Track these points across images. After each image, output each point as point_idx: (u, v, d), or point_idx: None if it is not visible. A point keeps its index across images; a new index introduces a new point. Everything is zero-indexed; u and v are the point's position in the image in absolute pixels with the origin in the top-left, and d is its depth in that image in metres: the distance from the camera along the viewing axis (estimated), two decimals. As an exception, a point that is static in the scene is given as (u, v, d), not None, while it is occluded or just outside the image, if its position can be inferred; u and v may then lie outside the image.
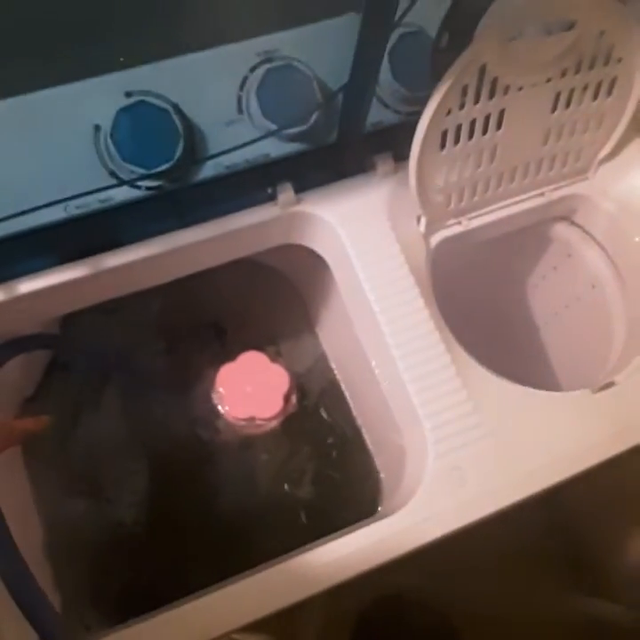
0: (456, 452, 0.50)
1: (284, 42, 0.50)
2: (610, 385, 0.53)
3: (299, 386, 0.74)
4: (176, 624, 0.45)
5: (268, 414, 0.66)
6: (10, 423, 0.47)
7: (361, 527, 0.49)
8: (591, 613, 0.88)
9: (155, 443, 0.73)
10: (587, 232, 0.64)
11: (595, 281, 0.65)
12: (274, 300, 0.78)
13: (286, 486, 0.72)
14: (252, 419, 0.66)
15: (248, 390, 0.67)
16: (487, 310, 0.71)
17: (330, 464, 0.73)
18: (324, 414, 0.74)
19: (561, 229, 0.66)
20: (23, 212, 0.45)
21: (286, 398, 0.66)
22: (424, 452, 0.50)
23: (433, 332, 0.52)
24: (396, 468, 0.59)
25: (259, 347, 0.72)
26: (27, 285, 0.50)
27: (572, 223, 0.64)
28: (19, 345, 0.57)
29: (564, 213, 0.63)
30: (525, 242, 0.67)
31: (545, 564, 0.90)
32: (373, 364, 0.56)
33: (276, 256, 0.63)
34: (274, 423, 0.68)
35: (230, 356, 0.70)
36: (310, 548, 0.48)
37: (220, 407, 0.69)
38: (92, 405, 0.74)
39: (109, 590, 0.67)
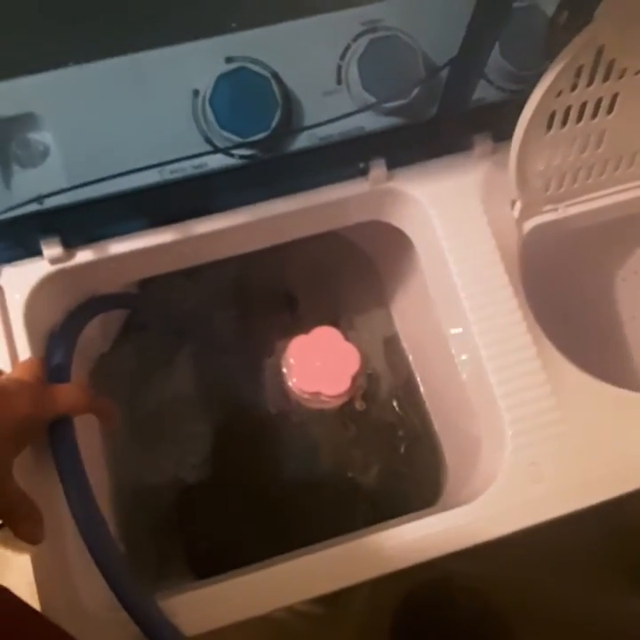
0: (535, 446, 0.49)
1: (390, 12, 0.49)
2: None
3: (368, 365, 0.74)
4: (232, 594, 0.46)
5: (333, 392, 0.65)
6: (91, 393, 0.48)
7: (430, 514, 0.49)
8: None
9: (221, 407, 0.74)
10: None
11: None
12: (349, 275, 0.77)
13: (346, 467, 0.72)
14: (317, 394, 0.66)
15: (317, 365, 0.67)
16: (572, 301, 0.68)
17: (394, 448, 0.72)
18: (393, 398, 0.73)
19: (661, 224, 0.62)
20: (120, 174, 0.46)
21: (354, 379, 0.65)
22: (502, 445, 0.49)
23: (520, 323, 0.51)
24: (466, 458, 0.58)
25: (330, 320, 0.72)
26: (117, 246, 0.51)
27: (674, 218, 0.61)
28: (103, 303, 0.58)
29: (667, 207, 0.60)
30: (620, 234, 0.64)
31: (602, 567, 0.88)
32: (453, 350, 0.55)
33: (356, 230, 0.62)
34: (339, 401, 0.68)
35: (301, 326, 0.70)
36: (376, 531, 0.48)
37: (287, 378, 0.69)
38: (164, 366, 0.75)
39: (166, 549, 0.69)
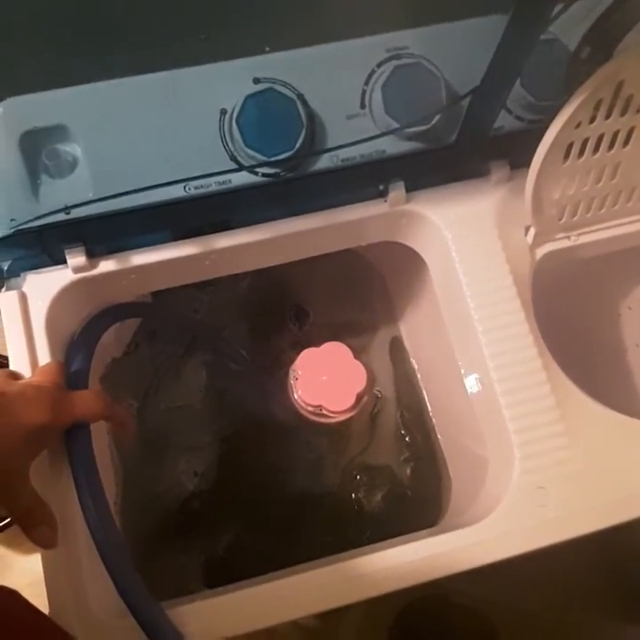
0: (542, 470, 0.49)
1: (415, 39, 0.50)
2: None
3: (376, 384, 0.74)
4: (240, 605, 0.46)
5: (336, 408, 0.65)
6: (108, 400, 0.49)
7: (434, 534, 0.49)
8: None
9: (227, 417, 0.74)
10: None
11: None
12: (361, 291, 0.78)
13: (350, 483, 0.72)
14: (319, 407, 0.66)
15: (324, 379, 0.67)
16: (580, 327, 0.69)
17: (400, 466, 0.73)
18: (400, 416, 0.74)
19: (669, 254, 0.63)
20: (146, 188, 0.47)
21: (359, 397, 0.66)
22: (510, 467, 0.50)
23: (531, 347, 0.51)
24: (472, 479, 0.59)
25: (339, 334, 0.73)
26: (139, 258, 0.52)
27: (682, 249, 0.62)
28: (122, 312, 0.59)
29: (676, 238, 0.61)
30: (628, 263, 0.65)
31: (597, 593, 0.88)
32: (463, 371, 0.56)
33: (370, 248, 0.63)
34: (342, 417, 0.68)
35: (310, 340, 0.71)
36: (379, 549, 0.48)
37: (294, 389, 0.70)
38: (174, 373, 0.76)
39: (172, 557, 0.69)
